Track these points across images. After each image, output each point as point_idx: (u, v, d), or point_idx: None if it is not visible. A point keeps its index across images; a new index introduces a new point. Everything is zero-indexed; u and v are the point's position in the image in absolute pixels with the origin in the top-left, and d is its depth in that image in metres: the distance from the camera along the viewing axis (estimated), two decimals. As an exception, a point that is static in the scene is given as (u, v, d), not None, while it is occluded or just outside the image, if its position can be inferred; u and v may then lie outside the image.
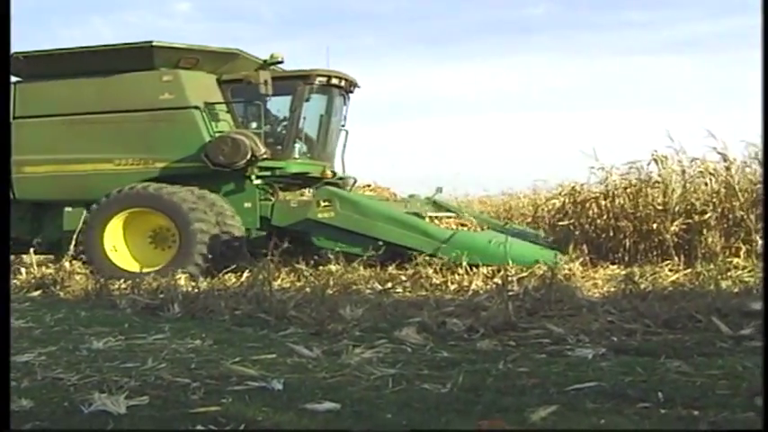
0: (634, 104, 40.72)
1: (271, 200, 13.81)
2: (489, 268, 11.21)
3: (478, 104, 44.30)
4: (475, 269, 11.15)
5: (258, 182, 13.77)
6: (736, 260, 11.37)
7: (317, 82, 14.23)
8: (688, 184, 13.46)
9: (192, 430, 4.36)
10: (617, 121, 36.53)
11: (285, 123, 14.26)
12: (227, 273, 12.11)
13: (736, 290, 9.16)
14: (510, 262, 11.20)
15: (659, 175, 13.59)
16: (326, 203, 12.63)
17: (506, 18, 47.39)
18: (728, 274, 10.44)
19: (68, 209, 13.94)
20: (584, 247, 11.78)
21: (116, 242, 13.39)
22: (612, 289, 9.72)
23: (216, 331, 7.85)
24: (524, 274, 10.55)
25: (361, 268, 11.62)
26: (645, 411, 4.56)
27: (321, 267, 12.08)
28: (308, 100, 14.14)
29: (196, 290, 10.51)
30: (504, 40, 47.36)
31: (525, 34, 49.90)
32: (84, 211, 13.62)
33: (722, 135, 13.43)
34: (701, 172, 13.49)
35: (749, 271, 10.80)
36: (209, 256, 12.66)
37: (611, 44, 45.03)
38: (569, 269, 10.76)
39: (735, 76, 41.41)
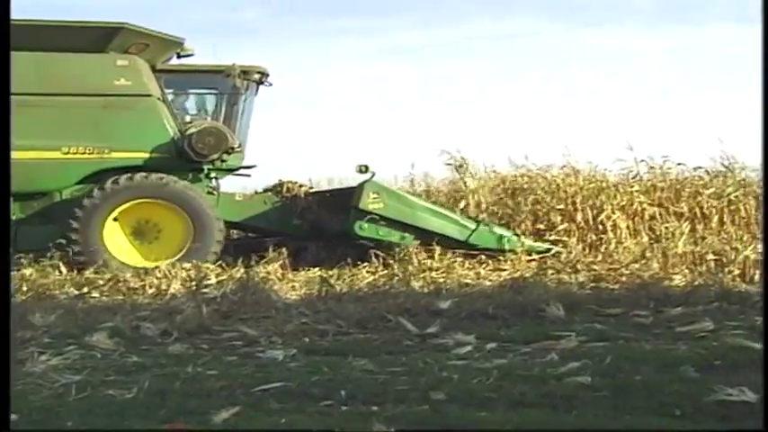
0: (346, 110, 41.56)
1: (213, 194, 13.55)
2: (188, 272, 11.16)
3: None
4: (174, 272, 11.06)
5: (213, 175, 13.53)
6: (430, 262, 11.88)
7: (254, 77, 14.07)
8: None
9: None
10: (329, 126, 37.26)
11: (222, 117, 13.85)
12: None
13: (426, 290, 9.62)
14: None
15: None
16: (375, 195, 12.70)
17: (221, 19, 46.88)
18: (422, 275, 10.90)
19: None
20: (284, 249, 11.95)
21: (114, 235, 12.55)
22: (310, 291, 9.92)
23: None
24: (224, 277, 10.60)
25: (57, 272, 11.24)
26: (327, 409, 4.73)
27: (15, 272, 11.57)
28: (244, 93, 13.95)
29: None
30: (216, 43, 46.96)
31: (240, 37, 49.75)
32: (13, 204, 12.21)
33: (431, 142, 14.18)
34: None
35: (442, 272, 11.34)
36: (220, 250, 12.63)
37: (326, 50, 45.69)
38: (267, 272, 10.88)
39: (451, 85, 43.35)
